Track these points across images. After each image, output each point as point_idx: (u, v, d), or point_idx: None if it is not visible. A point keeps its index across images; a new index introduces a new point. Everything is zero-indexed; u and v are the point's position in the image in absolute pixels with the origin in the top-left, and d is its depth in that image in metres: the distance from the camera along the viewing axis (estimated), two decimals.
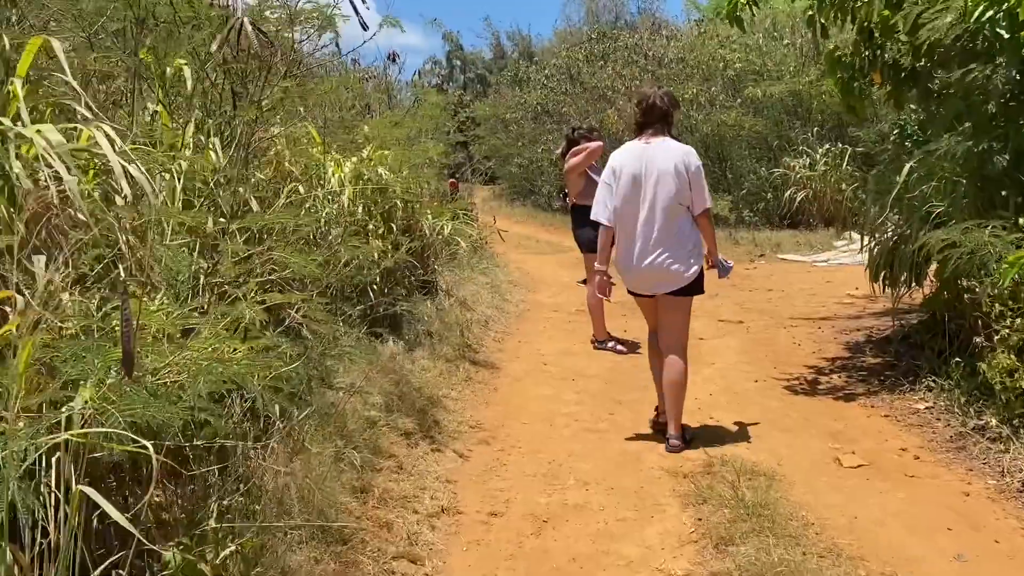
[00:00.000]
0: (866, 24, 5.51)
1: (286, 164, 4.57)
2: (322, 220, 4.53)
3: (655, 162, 3.95)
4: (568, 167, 6.66)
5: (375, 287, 5.05)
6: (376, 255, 4.91)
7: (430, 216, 6.46)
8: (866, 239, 6.71)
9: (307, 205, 4.55)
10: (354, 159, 5.13)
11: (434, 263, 6.70)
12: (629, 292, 4.33)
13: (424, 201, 6.83)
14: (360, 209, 4.99)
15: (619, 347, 6.60)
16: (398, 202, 5.72)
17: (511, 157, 22.44)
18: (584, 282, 10.48)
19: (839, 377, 5.67)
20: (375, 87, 9.21)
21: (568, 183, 6.59)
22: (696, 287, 4.13)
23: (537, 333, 7.37)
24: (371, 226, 5.05)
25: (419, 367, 4.99)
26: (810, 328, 7.42)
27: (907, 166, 5.60)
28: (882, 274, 6.13)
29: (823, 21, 5.89)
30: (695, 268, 4.06)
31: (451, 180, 10.42)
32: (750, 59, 14.60)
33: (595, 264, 4.32)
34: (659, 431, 4.42)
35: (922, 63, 5.56)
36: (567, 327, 7.73)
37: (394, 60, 8.35)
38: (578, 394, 5.33)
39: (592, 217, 4.22)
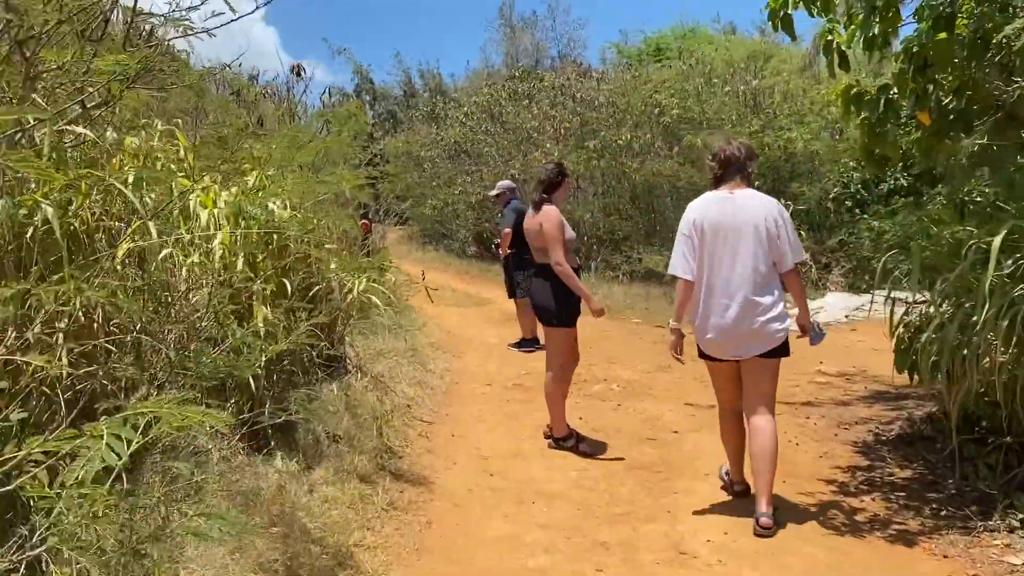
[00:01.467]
0: (915, 50, 4.36)
1: (127, 192, 2.93)
2: (180, 279, 2.91)
3: (744, 214, 3.70)
4: (551, 238, 4.99)
5: (261, 375, 3.43)
6: (263, 330, 3.30)
7: (336, 270, 4.87)
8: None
9: (159, 256, 2.94)
10: (234, 188, 3.52)
11: (344, 331, 5.11)
12: (702, 357, 3.99)
13: (332, 249, 5.24)
14: (240, 262, 3.38)
15: (582, 447, 5.13)
16: (296, 250, 4.14)
17: (424, 198, 20.95)
18: (518, 345, 9.07)
19: (874, 500, 4.36)
20: (276, 107, 7.60)
21: (549, 242, 4.98)
22: (786, 348, 3.89)
23: (472, 419, 5.83)
24: (257, 287, 3.44)
25: (320, 498, 3.38)
26: (797, 418, 6.16)
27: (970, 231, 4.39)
28: (915, 362, 4.91)
29: (850, 48, 4.73)
30: (787, 326, 3.83)
31: (363, 221, 8.86)
32: (687, 105, 13.70)
33: (671, 322, 3.99)
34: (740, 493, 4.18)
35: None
36: (507, 409, 6.23)
37: (299, 74, 6.81)
38: (544, 530, 3.81)
39: (670, 271, 3.93)
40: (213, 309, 2.96)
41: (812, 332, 4.06)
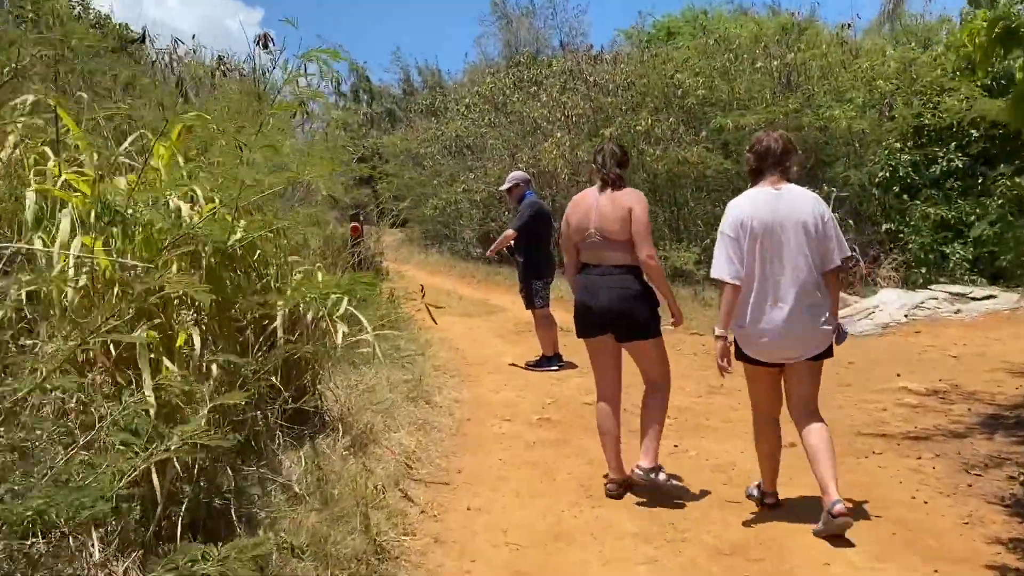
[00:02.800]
0: None
1: None
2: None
3: (793, 211, 3.51)
4: (644, 225, 3.96)
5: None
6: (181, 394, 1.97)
7: (302, 290, 3.50)
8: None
9: None
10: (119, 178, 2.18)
11: (317, 374, 3.78)
12: (748, 360, 3.74)
13: (302, 260, 3.91)
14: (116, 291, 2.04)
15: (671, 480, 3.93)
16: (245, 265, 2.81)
17: (425, 197, 19.62)
18: (538, 364, 7.76)
19: None
20: (241, 86, 6.28)
21: (642, 231, 3.90)
22: (831, 349, 3.73)
23: (493, 476, 4.49)
24: (141, 334, 2.09)
25: None
26: (906, 458, 4.83)
27: None
28: None
29: None
30: (833, 327, 3.65)
31: (353, 224, 7.55)
32: (714, 85, 12.33)
33: (716, 330, 3.64)
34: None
35: None
36: (534, 456, 4.90)
37: (265, 45, 5.50)
38: None
39: (715, 275, 3.63)
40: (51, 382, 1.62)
41: (840, 331, 3.75)
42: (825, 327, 3.58)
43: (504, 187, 8.05)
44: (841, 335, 3.74)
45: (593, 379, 4.29)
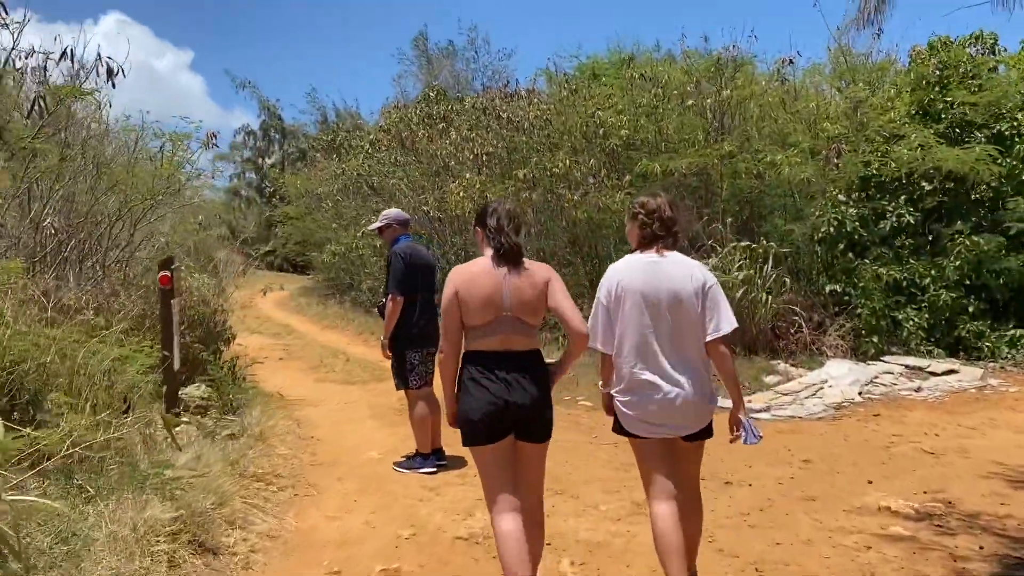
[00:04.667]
0: None
1: None
2: None
3: (673, 280, 3.32)
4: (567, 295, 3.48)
5: None
6: None
7: None
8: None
9: None
10: None
11: None
12: (630, 435, 3.43)
13: None
14: None
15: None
16: None
17: (327, 241, 17.68)
18: (410, 464, 5.88)
19: None
20: None
21: (570, 315, 3.37)
22: (711, 428, 3.47)
23: None
24: None
25: None
26: None
27: None
28: None
29: None
30: (715, 403, 3.41)
31: (162, 273, 5.61)
32: (640, 124, 10.88)
33: (601, 387, 3.55)
34: None
35: None
36: None
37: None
38: None
39: (589, 344, 3.34)
40: None
41: (747, 430, 3.40)
42: (706, 403, 3.38)
43: (373, 227, 6.26)
44: (752, 435, 3.41)
45: (477, 493, 3.73)
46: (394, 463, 5.87)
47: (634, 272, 3.36)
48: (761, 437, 3.41)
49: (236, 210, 36.59)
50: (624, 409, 3.40)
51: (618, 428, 3.50)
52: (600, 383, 3.59)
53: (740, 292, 9.59)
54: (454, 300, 3.25)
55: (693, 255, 10.70)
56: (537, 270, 3.35)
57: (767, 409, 8.25)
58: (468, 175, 12.20)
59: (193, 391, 6.61)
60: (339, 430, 7.04)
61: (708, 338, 3.31)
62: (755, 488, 5.52)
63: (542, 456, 3.43)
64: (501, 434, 3.27)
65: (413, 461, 5.81)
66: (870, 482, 5.63)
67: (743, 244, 10.15)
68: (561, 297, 3.32)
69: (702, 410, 3.36)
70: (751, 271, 9.73)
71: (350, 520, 4.68)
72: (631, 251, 3.48)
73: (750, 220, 11.30)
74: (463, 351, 3.33)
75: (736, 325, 3.33)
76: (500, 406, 3.22)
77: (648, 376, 3.31)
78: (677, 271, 3.33)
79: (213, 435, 5.64)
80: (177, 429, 5.47)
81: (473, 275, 3.28)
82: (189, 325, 7.03)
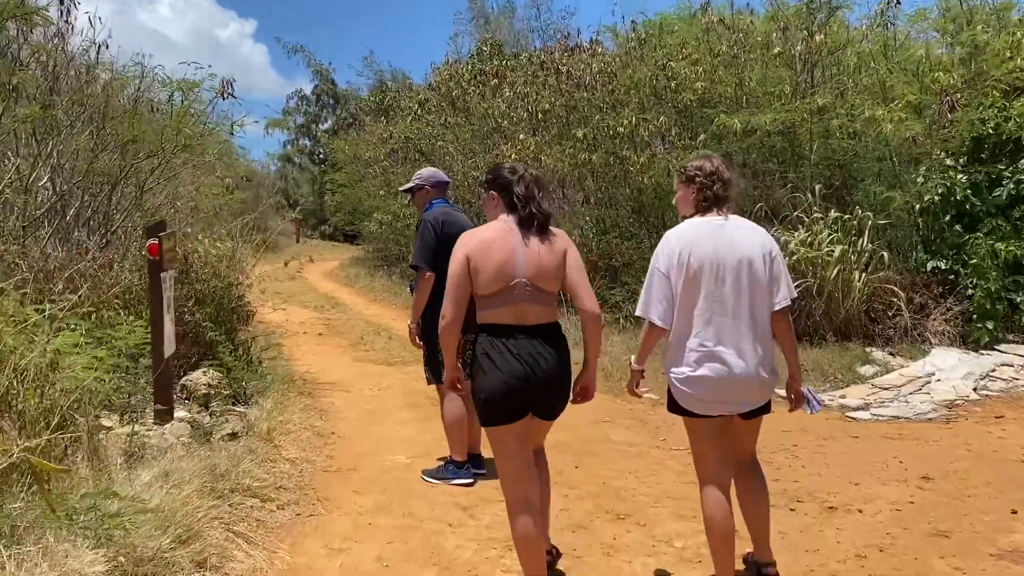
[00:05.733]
0: None
1: None
2: None
3: (742, 244, 3.15)
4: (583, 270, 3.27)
5: None
6: None
7: None
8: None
9: None
10: None
11: None
12: (688, 414, 3.22)
13: None
14: None
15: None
16: None
17: (374, 209, 16.79)
18: (437, 476, 4.89)
19: None
20: None
21: (582, 291, 3.18)
22: (770, 403, 3.32)
23: None
24: None
25: None
26: None
27: None
28: None
29: None
30: (776, 376, 3.25)
31: (151, 242, 4.70)
32: (718, 77, 9.60)
33: (633, 363, 3.35)
34: None
35: None
36: None
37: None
38: None
39: (640, 313, 3.20)
40: None
41: (809, 399, 3.37)
42: (770, 376, 3.19)
43: (405, 188, 5.30)
44: (814, 403, 3.38)
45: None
46: (423, 472, 4.91)
47: (701, 237, 3.16)
48: (823, 404, 3.35)
49: (290, 178, 36.17)
50: (683, 386, 3.20)
51: (673, 407, 3.29)
52: (633, 359, 3.37)
53: (834, 271, 8.34)
54: (465, 267, 3.07)
55: (776, 227, 9.55)
56: (556, 236, 3.21)
57: (865, 407, 7.04)
58: (522, 136, 11.09)
59: (199, 377, 5.74)
60: (366, 424, 6.10)
61: (776, 307, 3.17)
62: (867, 516, 4.40)
63: (548, 425, 3.33)
64: (520, 413, 3.11)
65: (445, 470, 4.84)
66: (1014, 512, 4.45)
67: (834, 215, 8.88)
68: (576, 271, 3.16)
69: (765, 385, 3.21)
70: (845, 246, 8.45)
71: (359, 553, 3.72)
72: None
73: (841, 187, 9.96)
74: (477, 321, 3.14)
75: (795, 295, 3.24)
76: (517, 384, 3.04)
77: (713, 349, 3.13)
78: (745, 235, 3.20)
79: (210, 435, 4.75)
80: (164, 429, 4.59)
81: (487, 241, 3.10)
82: (198, 301, 6.15)
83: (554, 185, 12.04)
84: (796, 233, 8.88)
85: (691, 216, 3.29)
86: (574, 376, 3.22)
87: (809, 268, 8.73)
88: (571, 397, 3.22)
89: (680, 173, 3.37)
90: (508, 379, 3.01)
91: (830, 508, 4.51)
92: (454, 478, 4.77)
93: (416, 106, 15.07)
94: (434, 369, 4.89)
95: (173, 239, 5.01)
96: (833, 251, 8.55)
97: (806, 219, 9.12)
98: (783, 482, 4.96)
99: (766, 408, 3.29)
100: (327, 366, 8.67)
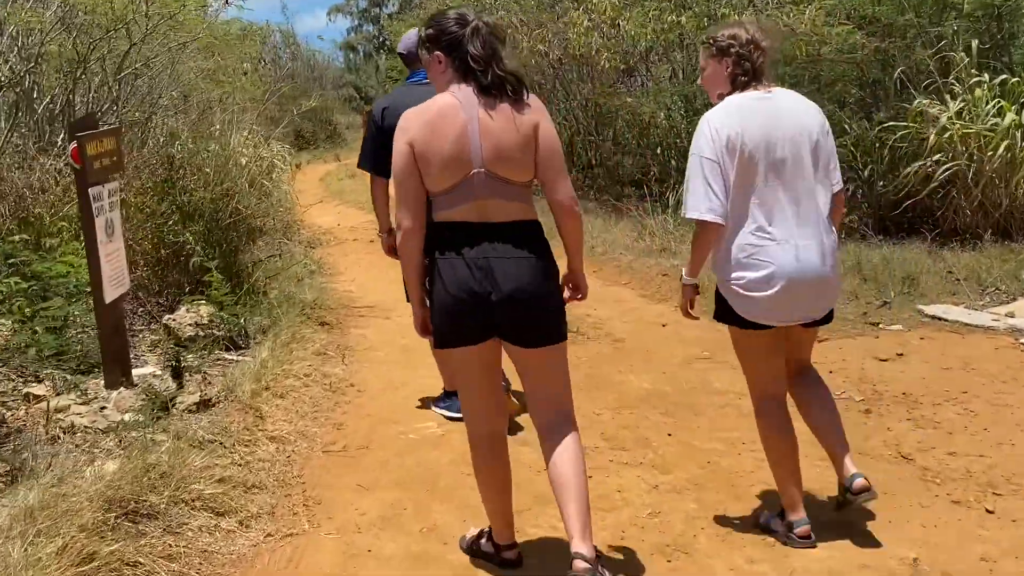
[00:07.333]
0: None
1: None
2: None
3: (798, 117, 2.77)
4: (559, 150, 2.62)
5: None
6: None
7: None
8: None
9: None
10: None
11: None
12: (746, 325, 2.78)
13: None
14: None
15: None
16: None
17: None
18: (447, 402, 3.83)
19: None
20: None
21: (554, 177, 2.50)
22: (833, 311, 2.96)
23: None
24: None
25: None
26: None
27: None
28: None
29: None
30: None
31: (72, 146, 3.41)
32: None
33: (685, 277, 2.90)
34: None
35: None
36: None
37: None
38: None
39: (691, 214, 2.74)
40: None
41: None
42: (839, 279, 2.90)
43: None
44: None
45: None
46: (434, 402, 4.09)
47: (750, 115, 2.73)
48: None
49: (355, 68, 34.56)
50: (744, 291, 2.75)
51: (728, 316, 2.83)
52: (684, 271, 2.91)
53: (1002, 147, 6.51)
54: (410, 157, 2.40)
55: (919, 96, 7.69)
56: (528, 108, 2.45)
57: None
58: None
59: (182, 316, 4.52)
60: (397, 368, 4.81)
61: (836, 188, 2.84)
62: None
63: (556, 362, 2.56)
64: (475, 336, 2.47)
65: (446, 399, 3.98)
66: None
67: (989, 81, 6.95)
68: (548, 153, 2.44)
69: (834, 287, 2.86)
70: (1017, 117, 6.58)
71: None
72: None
73: (998, 47, 7.89)
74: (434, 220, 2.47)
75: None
76: (471, 299, 2.41)
77: (779, 245, 2.72)
78: (798, 108, 2.81)
79: (169, 406, 3.52)
80: (111, 399, 3.38)
81: (431, 120, 2.39)
82: (182, 218, 4.87)
83: (636, 59, 10.23)
84: (950, 104, 7.01)
85: (727, 95, 2.84)
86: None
87: (963, 148, 6.89)
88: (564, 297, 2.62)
89: (708, 46, 2.90)
90: (456, 292, 2.42)
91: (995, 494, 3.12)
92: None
93: None
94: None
95: (112, 140, 3.67)
96: (1000, 123, 6.68)
97: (957, 86, 7.20)
98: (962, 457, 3.49)
99: (830, 316, 2.92)
100: (369, 282, 7.40)
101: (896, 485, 3.25)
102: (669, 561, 2.75)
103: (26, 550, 2.12)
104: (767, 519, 2.94)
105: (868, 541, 2.82)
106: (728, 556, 2.78)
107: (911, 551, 2.74)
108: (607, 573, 2.38)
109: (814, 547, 2.75)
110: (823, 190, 2.80)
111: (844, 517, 2.96)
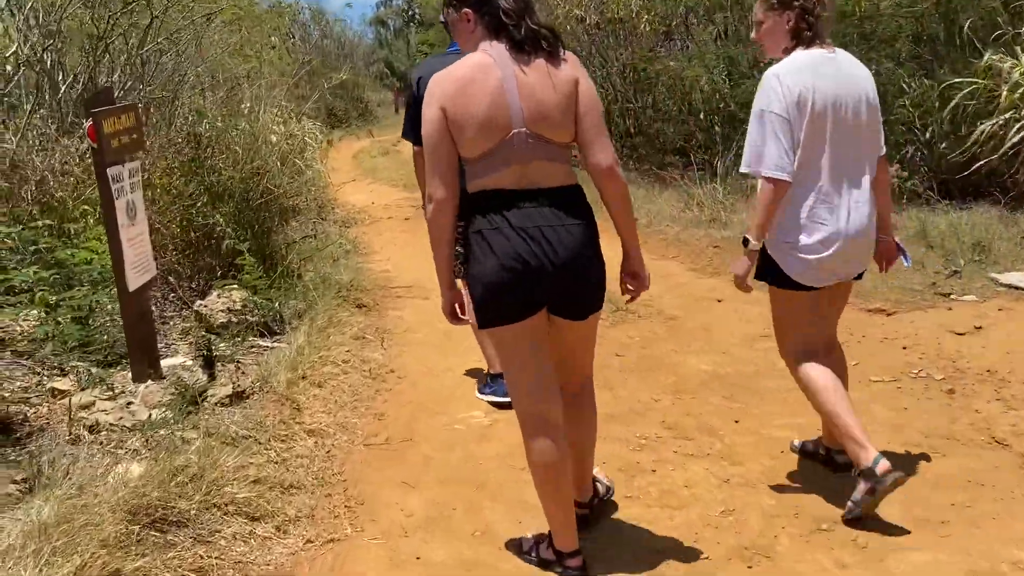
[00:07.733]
0: None
1: None
2: None
3: (859, 80, 2.73)
4: (600, 110, 2.51)
5: None
6: None
7: None
8: None
9: None
10: None
11: None
12: (789, 286, 2.74)
13: None
14: None
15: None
16: None
17: None
18: (493, 387, 3.60)
19: None
20: None
21: (594, 139, 2.32)
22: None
23: None
24: None
25: None
26: None
27: None
28: None
29: None
30: (890, 236, 2.96)
31: (88, 124, 3.18)
32: None
33: (750, 241, 2.71)
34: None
35: None
36: None
37: None
38: None
39: (753, 168, 2.66)
40: None
41: (904, 252, 2.97)
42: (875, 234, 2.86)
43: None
44: (907, 256, 2.99)
45: None
46: (479, 389, 3.80)
47: (822, 73, 2.67)
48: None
49: (387, 43, 34.17)
50: (805, 255, 2.71)
51: (773, 275, 2.77)
52: (751, 235, 2.72)
53: None
54: (442, 123, 2.23)
55: (988, 50, 7.20)
56: (565, 64, 2.31)
57: None
58: None
59: (214, 302, 4.32)
60: (439, 353, 4.56)
61: (883, 151, 2.84)
62: None
63: (593, 332, 2.51)
64: (528, 309, 2.32)
65: (493, 384, 3.72)
66: None
67: None
68: (590, 112, 2.28)
69: (872, 244, 2.85)
70: None
71: None
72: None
73: None
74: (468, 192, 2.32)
75: None
76: (524, 271, 2.25)
77: (838, 208, 2.70)
78: (855, 68, 2.77)
79: (198, 401, 3.31)
80: (138, 393, 3.17)
81: (463, 81, 2.22)
82: (211, 199, 4.65)
83: (677, 20, 9.79)
84: (1019, 58, 6.52)
85: (788, 51, 2.75)
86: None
87: None
88: (620, 291, 2.52)
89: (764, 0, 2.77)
90: (507, 262, 2.26)
91: None
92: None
93: None
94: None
95: (131, 116, 3.44)
96: None
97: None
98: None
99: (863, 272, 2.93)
100: (405, 260, 7.16)
101: (993, 475, 2.94)
102: (750, 567, 2.48)
103: (40, 571, 1.91)
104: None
105: (971, 541, 2.52)
106: (814, 558, 2.50)
107: (1022, 552, 2.44)
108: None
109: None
110: (871, 152, 2.78)
111: (940, 514, 2.67)
